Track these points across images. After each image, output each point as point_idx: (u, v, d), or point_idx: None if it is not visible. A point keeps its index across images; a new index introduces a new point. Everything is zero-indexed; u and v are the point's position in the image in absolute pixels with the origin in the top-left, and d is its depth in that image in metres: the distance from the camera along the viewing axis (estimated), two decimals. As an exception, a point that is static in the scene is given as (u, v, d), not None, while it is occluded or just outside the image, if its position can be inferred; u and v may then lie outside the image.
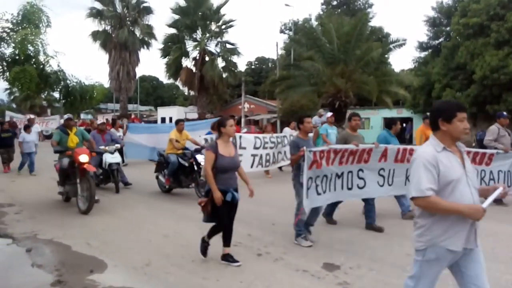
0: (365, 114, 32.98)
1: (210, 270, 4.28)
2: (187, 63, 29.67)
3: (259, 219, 6.43)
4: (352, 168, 5.59)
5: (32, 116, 14.27)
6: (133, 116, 28.83)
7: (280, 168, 11.92)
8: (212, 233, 4.54)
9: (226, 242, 4.47)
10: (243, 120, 29.79)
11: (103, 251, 4.86)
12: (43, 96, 26.23)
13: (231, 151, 4.43)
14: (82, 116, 38.17)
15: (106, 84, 31.19)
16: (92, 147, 7.62)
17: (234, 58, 29.67)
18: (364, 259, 4.59)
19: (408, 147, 6.21)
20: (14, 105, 52.42)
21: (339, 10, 37.72)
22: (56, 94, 10.52)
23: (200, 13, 28.17)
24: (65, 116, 7.69)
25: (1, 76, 9.60)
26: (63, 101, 9.48)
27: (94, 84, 9.33)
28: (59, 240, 5.31)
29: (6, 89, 40.36)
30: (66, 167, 7.01)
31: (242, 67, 47.76)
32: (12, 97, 47.87)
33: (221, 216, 4.35)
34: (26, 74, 8.10)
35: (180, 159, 8.06)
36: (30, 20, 8.44)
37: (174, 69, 28.93)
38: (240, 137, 9.40)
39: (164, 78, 35.27)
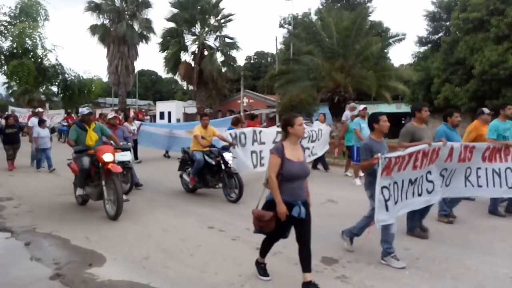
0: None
1: (209, 264, 4.29)
2: (186, 57, 29.58)
3: (257, 214, 6.44)
4: (423, 171, 4.86)
5: (40, 109, 13.05)
6: (136, 110, 28.65)
7: (314, 166, 11.07)
8: (265, 249, 3.95)
9: (305, 266, 3.72)
10: (242, 114, 29.71)
11: (102, 245, 4.87)
12: (41, 90, 26.12)
13: (299, 155, 3.72)
14: (81, 110, 38.05)
15: (105, 78, 31.14)
16: (116, 144, 6.87)
17: (233, 53, 29.58)
18: (362, 253, 4.61)
19: (470, 144, 5.62)
20: (12, 99, 52.28)
21: (339, 4, 37.55)
22: (54, 88, 10.49)
23: (199, 7, 28.02)
24: (83, 110, 6.70)
25: (-1, 70, 9.58)
26: (61, 95, 9.38)
27: (92, 78, 9.24)
28: (58, 234, 5.32)
29: (4, 83, 40.20)
30: (87, 167, 6.32)
31: (241, 61, 47.75)
32: (10, 91, 47.70)
33: (281, 231, 3.76)
34: (24, 68, 8.02)
35: (206, 157, 7.46)
36: (28, 14, 8.38)
37: (173, 63, 28.82)
38: (260, 132, 8.70)
39: (163, 73, 35.25)
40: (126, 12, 32.06)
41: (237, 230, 5.51)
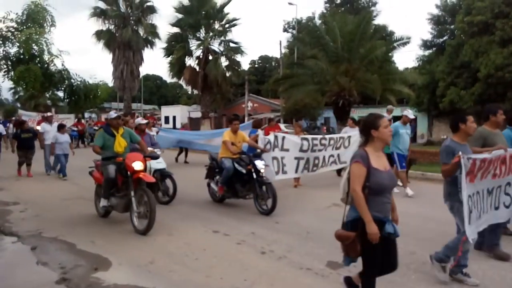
0: (369, 113, 32.95)
1: (214, 268, 4.28)
2: (191, 62, 29.71)
3: (262, 218, 6.44)
4: (502, 181, 4.31)
5: (50, 113, 12.44)
6: (148, 115, 28.55)
7: (338, 173, 10.49)
8: None
9: None
10: (246, 119, 29.76)
11: (108, 249, 4.88)
12: (47, 95, 26.29)
13: (385, 163, 3.14)
14: (86, 115, 38.31)
15: (110, 83, 31.32)
16: (144, 151, 6.25)
17: (238, 57, 29.67)
18: (368, 257, 4.57)
19: None
20: (18, 104, 52.66)
21: (343, 8, 37.65)
22: (61, 93, 10.62)
23: (203, 12, 28.16)
24: (112, 114, 6.24)
25: (6, 75, 9.71)
26: (67, 100, 9.50)
27: (98, 83, 9.34)
28: (63, 238, 5.34)
29: (11, 88, 40.57)
30: (114, 176, 5.81)
31: (245, 66, 47.82)
32: (16, 96, 48.12)
33: (375, 260, 3.06)
34: (31, 73, 8.11)
35: (236, 165, 6.92)
36: (35, 20, 8.50)
37: (178, 68, 28.95)
38: (284, 138, 8.21)
39: (167, 77, 35.29)
40: (131, 18, 32.30)
41: (242, 234, 5.50)
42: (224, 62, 29.27)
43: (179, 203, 7.67)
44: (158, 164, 7.26)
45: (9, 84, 27.00)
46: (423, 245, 5.00)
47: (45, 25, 9.35)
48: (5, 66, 10.26)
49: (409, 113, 8.73)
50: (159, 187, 7.23)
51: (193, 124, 29.01)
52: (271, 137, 7.97)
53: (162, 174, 7.41)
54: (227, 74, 29.55)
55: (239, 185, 6.96)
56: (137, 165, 5.56)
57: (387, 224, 3.00)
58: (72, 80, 10.30)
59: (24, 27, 8.80)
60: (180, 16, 28.66)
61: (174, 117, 41.84)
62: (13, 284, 4.01)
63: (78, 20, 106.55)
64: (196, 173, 9.84)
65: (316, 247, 4.93)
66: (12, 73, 9.96)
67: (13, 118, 22.74)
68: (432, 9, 38.69)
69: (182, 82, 31.93)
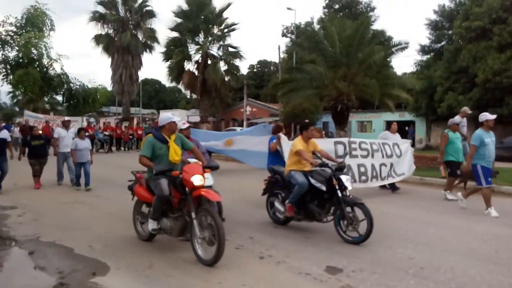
0: (367, 118, 33.07)
1: (212, 273, 4.27)
2: (190, 66, 29.74)
3: (260, 222, 6.42)
4: None
5: (67, 118, 11.33)
6: (147, 119, 28.21)
7: (393, 188, 9.15)
8: None
9: None
10: (245, 123, 29.80)
11: (105, 254, 4.86)
12: (46, 99, 26.22)
13: None
14: (91, 119, 38.15)
15: (109, 88, 31.37)
16: (201, 160, 5.17)
17: (237, 62, 29.73)
18: (366, 262, 4.58)
19: None
20: (17, 108, 52.61)
21: (341, 13, 37.84)
22: (59, 97, 10.54)
23: (202, 17, 28.24)
24: (165, 118, 5.07)
25: (5, 79, 9.65)
26: (66, 104, 9.50)
27: (97, 87, 9.34)
28: (61, 243, 5.32)
29: (9, 92, 40.63)
30: (168, 193, 4.77)
31: (244, 70, 47.98)
32: (15, 100, 48.09)
33: None
34: (30, 77, 8.12)
35: (312, 180, 5.68)
36: (34, 24, 8.53)
37: (177, 72, 28.98)
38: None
39: (166, 82, 35.35)
40: (130, 22, 32.39)
41: (240, 238, 5.49)
42: (223, 66, 29.34)
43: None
44: (206, 180, 5.53)
45: (7, 88, 26.99)
46: (422, 250, 5.00)
47: (44, 29, 9.33)
48: (4, 70, 10.25)
49: (487, 115, 7.35)
50: (221, 208, 5.69)
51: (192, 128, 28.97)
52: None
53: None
54: (226, 79, 29.60)
55: (313, 204, 5.70)
56: (197, 180, 4.55)
57: None
58: (71, 84, 10.31)
59: (24, 31, 8.79)
60: (179, 20, 28.73)
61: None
62: (11, 289, 3.99)
63: (77, 24, 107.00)
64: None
65: (315, 252, 4.92)
66: (11, 77, 9.92)
67: (17, 121, 21.73)
68: (430, 15, 38.86)
69: (181, 86, 31.95)
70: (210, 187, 5.39)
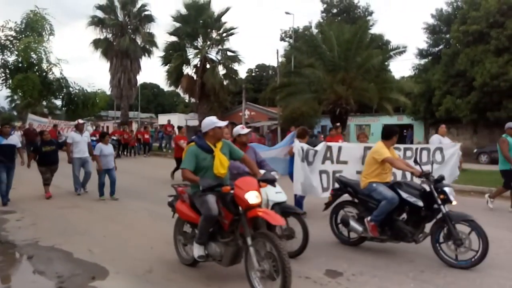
0: (366, 121, 33.09)
1: (212, 277, 4.26)
2: (188, 70, 29.76)
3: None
4: None
5: (81, 121, 10.42)
6: (166, 123, 26.71)
7: None
8: None
9: None
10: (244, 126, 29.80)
11: (105, 258, 4.85)
12: (44, 103, 26.14)
13: None
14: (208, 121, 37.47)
15: (107, 92, 31.28)
16: (255, 173, 4.30)
17: (235, 66, 29.77)
18: (367, 266, 4.57)
19: None
20: (15, 113, 52.51)
21: (339, 18, 37.95)
22: (58, 102, 10.44)
23: (201, 21, 28.30)
24: (208, 123, 4.21)
25: (4, 84, 9.62)
26: (65, 108, 9.43)
27: (96, 92, 9.29)
28: (60, 247, 5.30)
29: (7, 96, 40.52)
30: (217, 213, 3.93)
31: (242, 74, 47.99)
32: (13, 104, 47.98)
33: None
34: (29, 82, 8.09)
35: (403, 193, 4.81)
36: (33, 28, 8.54)
37: (175, 76, 29.00)
38: (340, 148, 6.91)
39: (165, 86, 35.33)
40: (129, 27, 32.40)
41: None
42: (221, 70, 29.37)
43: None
44: (277, 195, 4.74)
45: (6, 92, 26.93)
46: (421, 253, 4.99)
47: (43, 33, 9.36)
48: (3, 75, 10.24)
49: None
50: (306, 231, 4.74)
51: (190, 132, 28.98)
52: (320, 147, 6.77)
53: (284, 211, 4.68)
54: (225, 83, 29.62)
55: (402, 222, 4.88)
56: (253, 197, 3.71)
57: None
58: (71, 89, 10.33)
59: (23, 35, 8.81)
60: (177, 25, 28.79)
61: (161, 126, 41.80)
62: (10, 293, 3.97)
63: (76, 29, 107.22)
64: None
65: (315, 256, 4.91)
66: (10, 81, 9.91)
67: (18, 125, 20.66)
68: (428, 19, 39.06)
69: (179, 90, 31.96)
70: (281, 204, 4.69)
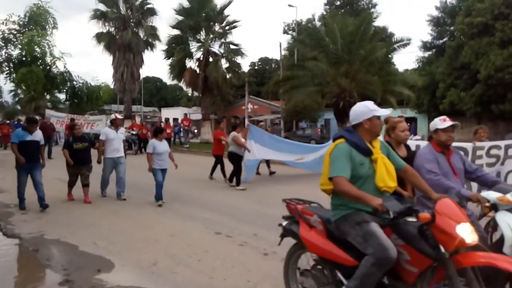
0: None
1: (217, 270, 4.29)
2: (191, 64, 29.67)
3: (264, 219, 6.43)
4: None
5: (118, 115, 9.17)
6: (185, 116, 26.03)
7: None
8: None
9: None
10: (246, 121, 29.80)
11: (110, 251, 4.89)
12: (47, 97, 26.15)
13: None
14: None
15: (111, 85, 31.27)
16: (428, 193, 2.92)
17: (238, 59, 29.67)
18: (370, 258, 4.57)
19: None
20: (18, 107, 52.71)
21: (343, 10, 37.70)
22: (61, 95, 10.47)
23: (203, 14, 28.17)
24: (364, 110, 2.88)
25: (8, 77, 9.66)
26: (68, 102, 9.41)
27: (100, 85, 9.25)
28: (66, 240, 5.34)
29: (11, 90, 40.65)
30: (395, 255, 2.53)
31: (245, 67, 47.83)
32: (17, 98, 48.14)
33: None
34: (33, 75, 8.06)
35: None
36: (37, 22, 8.51)
37: (178, 70, 28.94)
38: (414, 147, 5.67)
39: (167, 79, 35.36)
40: (131, 20, 32.31)
41: (244, 235, 5.51)
42: (224, 64, 29.27)
43: (181, 204, 7.67)
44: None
45: (9, 86, 26.95)
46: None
47: (47, 27, 9.36)
48: (7, 68, 10.27)
49: None
50: None
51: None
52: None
53: None
54: (228, 76, 29.55)
55: None
56: (468, 233, 2.37)
57: None
58: (74, 82, 10.36)
59: (27, 29, 8.81)
60: (180, 18, 28.68)
61: (175, 119, 41.88)
62: (16, 286, 4.02)
63: (79, 22, 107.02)
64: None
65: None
66: (14, 75, 9.93)
67: (21, 120, 19.80)
68: (432, 11, 38.81)
69: (182, 84, 31.92)
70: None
